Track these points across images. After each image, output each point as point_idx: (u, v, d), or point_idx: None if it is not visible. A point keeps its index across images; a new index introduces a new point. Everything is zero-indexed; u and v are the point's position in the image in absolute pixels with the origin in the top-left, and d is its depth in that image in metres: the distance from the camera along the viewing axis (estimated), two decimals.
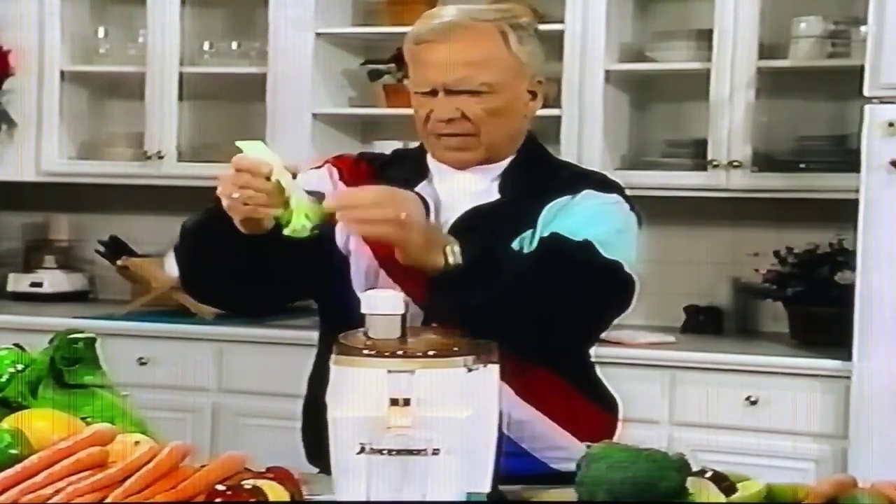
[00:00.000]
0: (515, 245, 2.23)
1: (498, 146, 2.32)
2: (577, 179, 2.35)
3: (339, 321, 2.05)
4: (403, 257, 2.09)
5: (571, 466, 2.15)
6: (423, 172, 2.35)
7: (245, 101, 4.79)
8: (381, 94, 4.60)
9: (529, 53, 2.30)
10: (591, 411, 2.37)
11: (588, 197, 2.30)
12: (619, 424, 2.41)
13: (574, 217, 2.24)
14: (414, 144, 2.43)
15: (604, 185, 2.36)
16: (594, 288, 2.15)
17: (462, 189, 2.31)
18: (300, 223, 2.04)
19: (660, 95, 4.55)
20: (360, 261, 2.29)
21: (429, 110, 2.28)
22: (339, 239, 2.32)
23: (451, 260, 2.09)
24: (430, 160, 2.37)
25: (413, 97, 2.32)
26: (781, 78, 4.22)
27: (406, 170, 2.37)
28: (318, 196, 2.09)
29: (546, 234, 2.22)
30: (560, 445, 2.29)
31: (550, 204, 2.27)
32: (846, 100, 4.11)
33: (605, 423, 2.38)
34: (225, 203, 2.12)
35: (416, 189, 2.31)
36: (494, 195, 2.31)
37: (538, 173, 2.34)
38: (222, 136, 4.83)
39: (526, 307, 2.11)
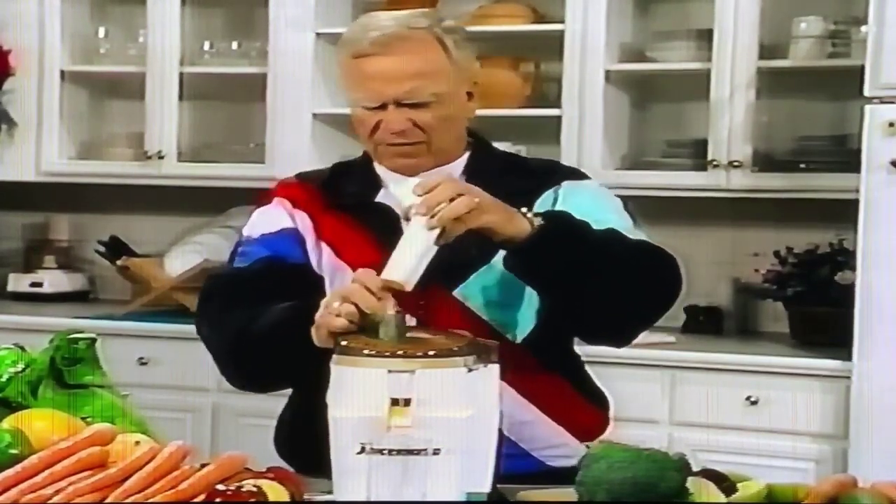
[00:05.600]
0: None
1: (446, 150, 2.33)
2: (545, 173, 2.38)
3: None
4: (496, 236, 2.08)
5: (568, 463, 2.21)
6: (375, 183, 2.36)
7: (245, 101, 4.80)
8: None
9: (465, 57, 2.32)
10: (587, 409, 2.39)
11: (572, 188, 2.34)
12: (612, 420, 2.42)
13: (577, 215, 2.24)
14: None
15: (573, 172, 2.42)
16: (666, 277, 2.24)
17: None
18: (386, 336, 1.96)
19: (660, 95, 4.55)
20: (343, 280, 2.25)
21: (377, 121, 2.28)
22: (313, 260, 2.33)
23: (535, 222, 2.09)
24: (378, 169, 2.37)
25: (355, 108, 2.30)
26: (781, 78, 4.22)
27: (356, 182, 2.37)
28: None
29: None
30: (557, 444, 2.32)
31: (538, 202, 2.28)
32: (846, 100, 4.11)
33: (599, 420, 2.40)
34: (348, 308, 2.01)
35: (377, 200, 2.33)
36: None
37: (500, 171, 2.35)
38: (222, 136, 4.85)
39: (615, 277, 2.14)
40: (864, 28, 3.85)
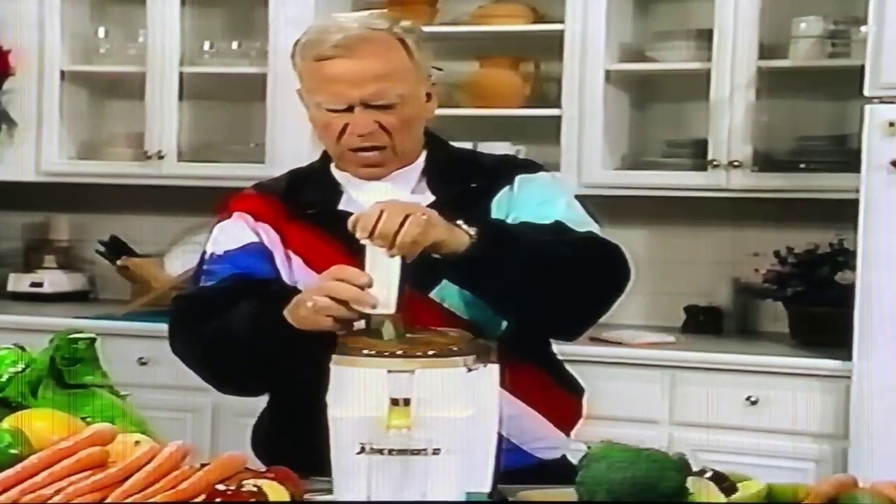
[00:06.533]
0: None
1: (408, 152, 2.34)
2: (500, 169, 2.39)
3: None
4: (441, 249, 2.08)
5: (555, 454, 2.31)
6: (335, 189, 2.35)
7: (245, 101, 4.79)
8: None
9: (425, 58, 2.33)
10: (566, 399, 2.41)
11: (525, 181, 2.35)
12: (585, 406, 2.45)
13: (528, 209, 2.27)
14: None
15: (527, 165, 2.42)
16: (610, 269, 2.24)
17: (388, 199, 2.29)
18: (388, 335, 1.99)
19: (660, 95, 4.55)
20: None
21: (343, 125, 2.28)
22: (284, 274, 2.32)
23: (471, 233, 2.10)
24: (336, 174, 2.37)
25: (319, 112, 2.30)
26: (781, 78, 4.22)
27: (317, 190, 2.37)
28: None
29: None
30: (544, 436, 2.34)
31: (496, 199, 2.31)
32: (846, 100, 4.10)
33: (577, 409, 2.43)
34: (312, 306, 2.04)
35: (339, 208, 2.32)
36: (427, 198, 2.31)
37: (458, 168, 2.37)
38: (222, 136, 4.85)
39: (556, 280, 2.15)
40: (864, 28, 3.85)
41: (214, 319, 2.23)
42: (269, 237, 2.34)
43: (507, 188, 2.34)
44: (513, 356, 2.25)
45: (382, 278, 2.00)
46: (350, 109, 2.26)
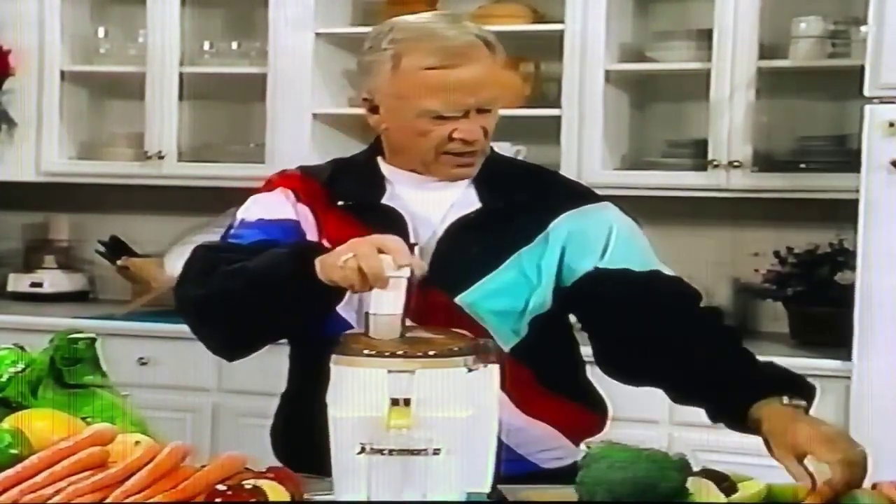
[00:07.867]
0: (513, 260, 2.25)
1: None
2: (546, 182, 2.39)
3: (314, 340, 2.08)
4: None
5: (562, 463, 2.27)
6: (380, 183, 2.32)
7: (245, 101, 4.80)
8: None
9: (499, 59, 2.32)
10: (581, 413, 2.38)
11: (602, 216, 2.37)
12: (608, 422, 2.44)
13: (619, 251, 2.33)
14: None
15: (588, 194, 2.43)
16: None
17: (435, 198, 2.30)
18: None
19: (660, 95, 4.55)
20: None
21: (450, 131, 2.24)
22: None
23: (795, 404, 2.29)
24: (385, 168, 2.34)
25: (419, 120, 2.24)
26: (781, 78, 4.22)
27: (360, 183, 2.33)
28: None
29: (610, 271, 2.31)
30: (552, 447, 2.31)
31: (555, 224, 2.29)
32: (846, 100, 4.11)
33: (594, 423, 2.41)
34: (343, 263, 1.98)
35: (383, 201, 2.29)
36: (473, 203, 2.29)
37: (507, 177, 2.35)
38: (222, 136, 4.85)
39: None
40: (864, 28, 3.85)
41: (232, 264, 2.15)
42: (307, 220, 2.29)
43: (602, 231, 2.34)
44: (526, 369, 2.24)
45: (386, 306, 1.97)
46: (463, 116, 2.24)
